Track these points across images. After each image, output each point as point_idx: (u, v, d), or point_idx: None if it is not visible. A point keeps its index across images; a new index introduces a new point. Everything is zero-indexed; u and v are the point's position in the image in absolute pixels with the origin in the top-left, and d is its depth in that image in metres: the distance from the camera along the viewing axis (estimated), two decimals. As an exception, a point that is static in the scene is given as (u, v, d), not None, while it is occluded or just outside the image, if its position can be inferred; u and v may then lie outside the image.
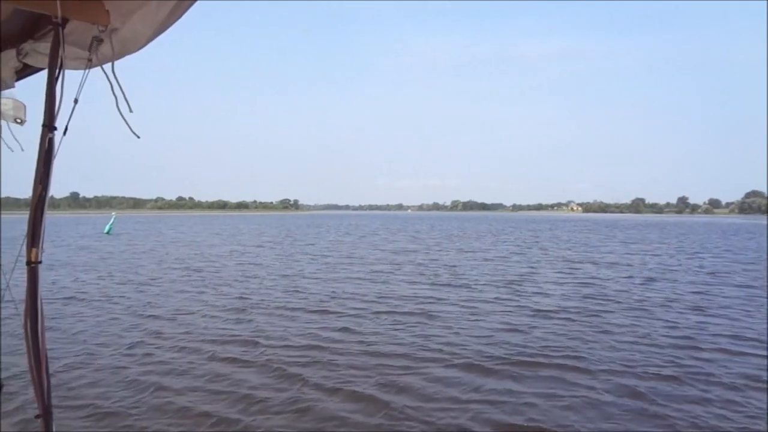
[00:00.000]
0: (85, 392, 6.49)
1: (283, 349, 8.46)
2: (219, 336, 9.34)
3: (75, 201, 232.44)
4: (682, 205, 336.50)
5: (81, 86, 1.18)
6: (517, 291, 14.53)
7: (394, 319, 10.81)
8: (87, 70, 1.26)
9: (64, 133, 1.14)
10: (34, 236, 1.11)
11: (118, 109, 1.24)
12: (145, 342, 8.95)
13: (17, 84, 1.87)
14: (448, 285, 15.67)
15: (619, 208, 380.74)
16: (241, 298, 13.29)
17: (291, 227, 68.93)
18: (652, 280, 16.95)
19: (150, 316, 11.10)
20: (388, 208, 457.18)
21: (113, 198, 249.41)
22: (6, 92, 2.05)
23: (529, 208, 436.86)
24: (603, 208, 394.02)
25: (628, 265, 21.69)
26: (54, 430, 1.15)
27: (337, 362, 7.81)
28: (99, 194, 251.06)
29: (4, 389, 4.86)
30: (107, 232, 47.52)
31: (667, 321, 10.62)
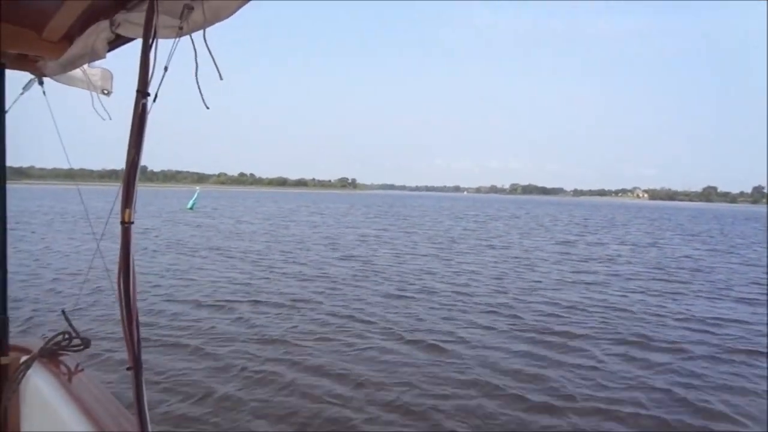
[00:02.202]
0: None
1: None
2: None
3: (143, 174, 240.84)
4: (758, 195, 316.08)
5: (171, 54, 1.22)
6: None
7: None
8: (177, 39, 1.26)
9: (154, 100, 1.19)
10: (127, 198, 1.16)
11: (196, 79, 1.23)
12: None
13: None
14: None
15: (689, 196, 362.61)
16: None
17: (381, 208, 66.91)
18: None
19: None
20: (444, 189, 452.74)
21: (179, 172, 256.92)
22: (95, 63, 2.14)
23: (591, 193, 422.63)
24: (671, 195, 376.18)
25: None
26: (143, 381, 1.20)
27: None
28: (165, 168, 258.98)
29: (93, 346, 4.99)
30: (190, 208, 45.53)
31: None
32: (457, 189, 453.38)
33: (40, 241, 19.86)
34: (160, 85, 1.18)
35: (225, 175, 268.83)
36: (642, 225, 46.21)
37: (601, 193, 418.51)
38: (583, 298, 11.87)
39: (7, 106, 2.35)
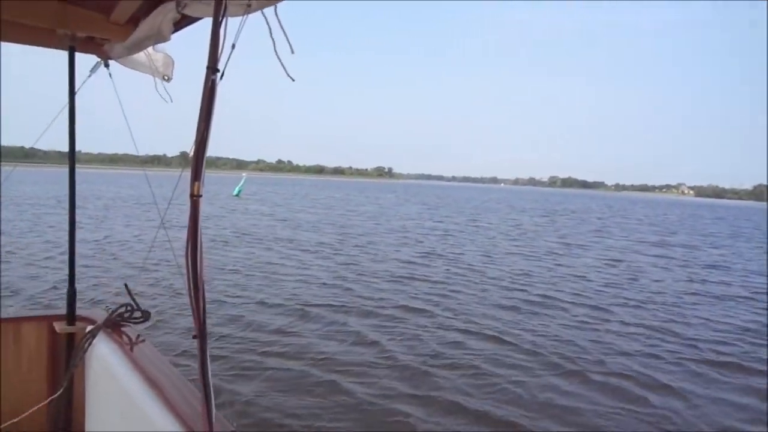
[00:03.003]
0: None
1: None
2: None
3: (184, 159, 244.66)
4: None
5: (239, 31, 1.23)
6: None
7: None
8: (245, 15, 1.29)
9: (221, 77, 1.20)
10: (197, 171, 1.19)
11: (276, 53, 1.25)
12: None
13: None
14: None
15: (738, 194, 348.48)
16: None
17: (430, 198, 64.33)
18: None
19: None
20: (482, 180, 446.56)
21: (218, 158, 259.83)
22: (159, 46, 2.24)
23: (633, 188, 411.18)
24: (718, 193, 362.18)
25: None
26: (208, 349, 1.24)
27: None
28: (210, 155, 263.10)
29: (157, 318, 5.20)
30: (237, 194, 43.59)
31: None
32: (494, 180, 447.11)
33: (103, 221, 20.47)
34: (227, 62, 1.21)
35: (263, 162, 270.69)
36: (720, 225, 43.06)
37: (644, 188, 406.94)
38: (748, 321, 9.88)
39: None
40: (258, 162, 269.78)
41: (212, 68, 1.17)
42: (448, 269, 13.26)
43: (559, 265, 15.04)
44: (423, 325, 8.04)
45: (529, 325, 8.43)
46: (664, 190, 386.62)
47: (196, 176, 1.20)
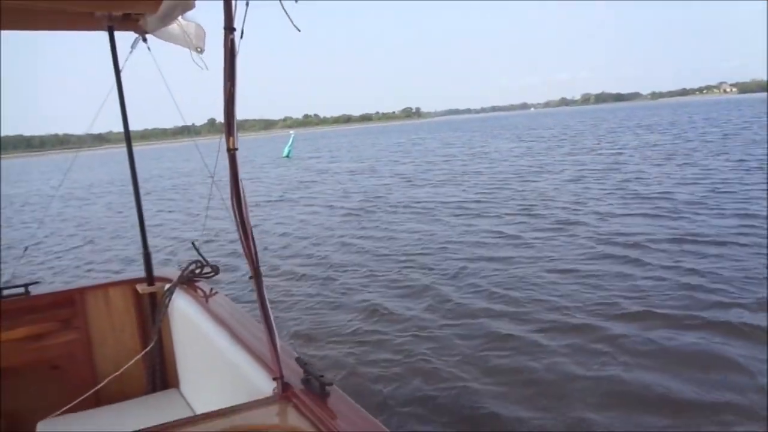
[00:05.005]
0: None
1: None
2: None
3: (212, 126, 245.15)
4: None
5: None
6: None
7: None
8: None
9: (241, 36, 1.25)
10: (229, 126, 1.28)
11: (282, 5, 1.25)
12: None
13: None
14: None
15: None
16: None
17: (509, 133, 51.73)
18: None
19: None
20: (511, 108, 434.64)
21: (246, 121, 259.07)
22: (189, 15, 2.31)
23: (671, 94, 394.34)
24: (763, 86, 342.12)
25: None
26: (264, 286, 1.41)
27: None
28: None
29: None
30: (287, 156, 38.93)
31: None
32: (524, 106, 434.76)
33: (160, 193, 21.17)
34: (244, 20, 1.23)
35: (291, 118, 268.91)
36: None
37: (683, 92, 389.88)
38: None
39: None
40: (285, 119, 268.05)
41: (229, 28, 1.24)
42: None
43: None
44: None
45: None
46: (705, 91, 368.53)
47: (230, 131, 1.30)
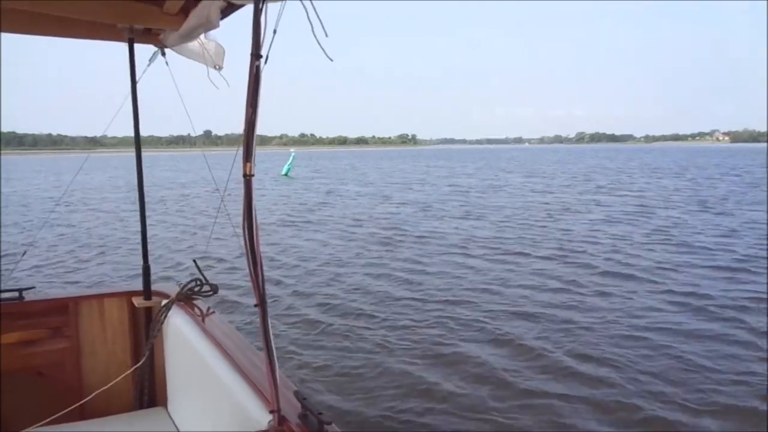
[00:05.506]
0: None
1: None
2: None
3: (208, 138, 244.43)
4: None
5: (279, 17, 1.26)
6: None
7: None
8: (284, 2, 1.31)
9: (265, 62, 1.26)
10: (248, 152, 1.25)
11: (314, 35, 1.27)
12: None
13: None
14: None
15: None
16: None
17: (514, 166, 51.34)
18: None
19: None
20: (506, 141, 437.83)
21: (240, 135, 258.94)
22: (210, 34, 2.29)
23: (664, 138, 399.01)
24: (755, 137, 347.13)
25: None
26: (268, 316, 1.35)
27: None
28: (229, 132, 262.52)
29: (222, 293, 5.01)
30: (285, 174, 38.32)
31: None
32: (518, 140, 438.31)
33: (163, 203, 20.78)
34: (270, 47, 1.25)
35: (286, 136, 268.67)
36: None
37: (675, 137, 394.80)
38: None
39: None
40: (281, 137, 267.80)
41: (255, 54, 1.23)
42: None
43: None
44: None
45: None
46: (697, 138, 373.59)
47: (247, 157, 1.26)
